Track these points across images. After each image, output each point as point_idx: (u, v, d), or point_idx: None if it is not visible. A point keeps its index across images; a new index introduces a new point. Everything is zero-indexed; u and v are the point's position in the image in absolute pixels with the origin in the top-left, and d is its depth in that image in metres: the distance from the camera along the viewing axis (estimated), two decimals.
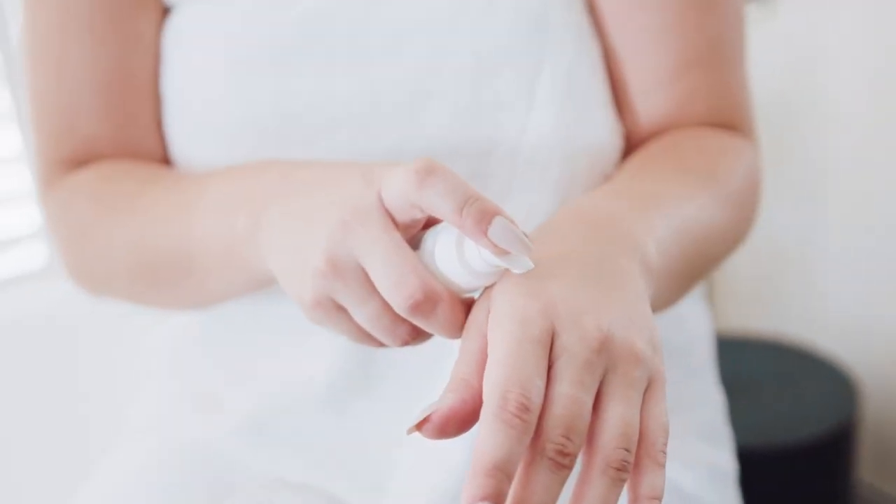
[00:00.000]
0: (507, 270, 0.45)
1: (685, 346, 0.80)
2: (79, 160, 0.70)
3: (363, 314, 0.48)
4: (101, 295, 0.72)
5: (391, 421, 0.69)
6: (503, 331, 0.42)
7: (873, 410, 1.65)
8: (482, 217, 0.43)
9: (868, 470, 1.68)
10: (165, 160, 0.71)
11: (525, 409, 0.39)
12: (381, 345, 0.50)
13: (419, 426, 0.42)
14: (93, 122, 0.69)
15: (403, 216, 0.47)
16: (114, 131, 0.69)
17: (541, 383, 0.41)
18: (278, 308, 0.70)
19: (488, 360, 0.42)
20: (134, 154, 0.70)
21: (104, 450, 0.79)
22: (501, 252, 0.44)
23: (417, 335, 0.49)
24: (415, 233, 0.49)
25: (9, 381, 1.27)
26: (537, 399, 0.40)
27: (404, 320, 0.48)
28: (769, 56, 1.61)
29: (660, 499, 0.41)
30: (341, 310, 0.49)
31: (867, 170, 1.57)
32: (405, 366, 0.69)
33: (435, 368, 0.68)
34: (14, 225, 1.31)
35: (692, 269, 0.59)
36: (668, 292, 0.56)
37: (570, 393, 0.41)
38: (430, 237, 0.47)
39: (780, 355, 1.61)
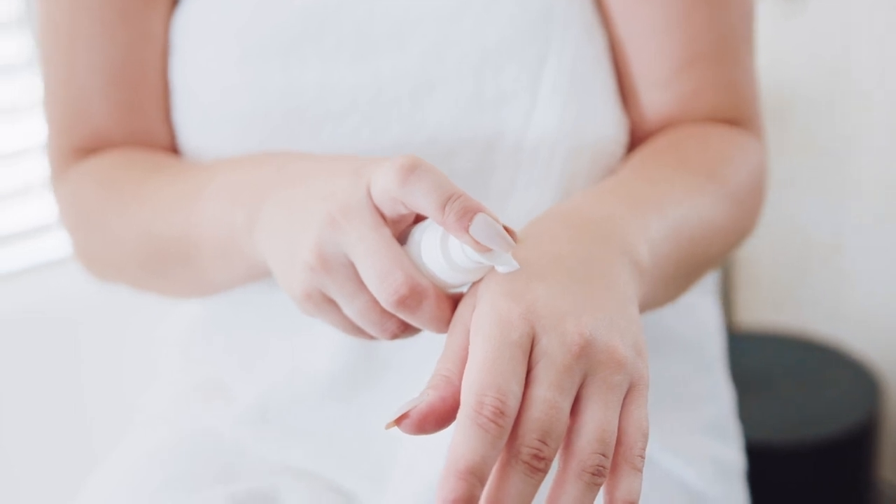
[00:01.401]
0: (492, 268, 0.45)
1: (696, 341, 0.79)
2: (88, 149, 0.71)
3: (352, 308, 0.49)
4: (109, 281, 0.73)
5: (393, 412, 0.70)
6: (483, 333, 0.42)
7: None
8: (464, 214, 0.43)
9: (889, 468, 1.67)
10: (174, 149, 0.71)
11: (500, 413, 0.40)
12: (372, 338, 0.51)
13: (398, 421, 0.43)
14: (102, 112, 0.70)
15: (390, 211, 0.47)
16: (123, 121, 0.70)
17: (518, 388, 0.41)
18: (286, 297, 0.70)
19: (467, 363, 0.42)
20: (142, 143, 0.70)
21: (116, 437, 0.81)
22: (483, 249, 0.44)
23: (406, 329, 0.49)
24: (405, 227, 0.49)
25: (37, 364, 1.28)
26: (513, 403, 0.40)
27: (393, 314, 0.48)
28: (798, 52, 1.59)
29: (635, 503, 0.41)
30: (331, 303, 0.50)
31: None
32: (407, 357, 0.69)
33: (436, 360, 0.68)
34: (39, 214, 1.32)
35: (690, 268, 0.58)
36: (664, 291, 0.56)
37: (547, 397, 0.41)
38: (418, 232, 0.48)
39: (802, 351, 1.59)
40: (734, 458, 0.78)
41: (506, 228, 0.45)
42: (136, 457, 0.74)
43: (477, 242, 0.44)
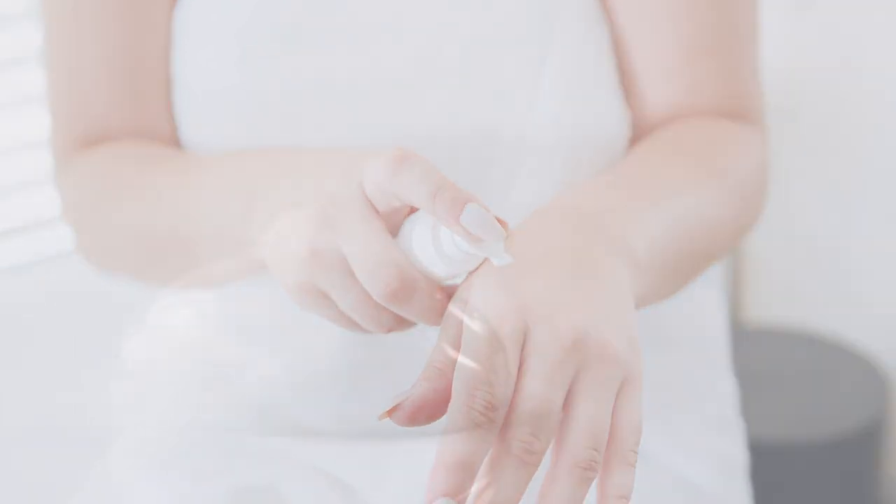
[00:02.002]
0: (486, 260, 0.45)
1: (701, 337, 0.79)
2: (91, 141, 0.71)
3: (346, 302, 0.49)
4: (110, 273, 0.74)
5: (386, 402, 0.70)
6: (476, 326, 0.42)
7: None
8: (454, 203, 0.43)
9: None
10: (176, 142, 0.72)
11: (491, 407, 0.40)
12: (367, 331, 0.51)
13: (390, 412, 0.43)
14: (105, 105, 0.70)
15: (383, 204, 0.47)
16: (126, 114, 0.70)
17: (510, 382, 0.41)
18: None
19: (460, 356, 0.42)
20: (145, 136, 0.71)
21: (115, 434, 0.81)
22: (474, 239, 0.44)
23: (402, 322, 0.49)
24: (398, 220, 0.49)
25: (38, 359, 1.29)
26: (505, 397, 0.40)
27: (386, 308, 0.48)
28: (807, 48, 1.58)
29: (627, 498, 0.41)
30: (326, 297, 0.50)
31: None
32: (406, 351, 0.69)
33: None
34: (43, 207, 1.32)
35: (689, 263, 0.58)
36: (662, 287, 0.56)
37: (539, 391, 0.41)
38: (409, 225, 0.48)
39: (810, 348, 1.59)
40: (737, 453, 0.78)
41: (497, 219, 0.44)
42: (138, 451, 0.74)
43: (468, 232, 0.43)
